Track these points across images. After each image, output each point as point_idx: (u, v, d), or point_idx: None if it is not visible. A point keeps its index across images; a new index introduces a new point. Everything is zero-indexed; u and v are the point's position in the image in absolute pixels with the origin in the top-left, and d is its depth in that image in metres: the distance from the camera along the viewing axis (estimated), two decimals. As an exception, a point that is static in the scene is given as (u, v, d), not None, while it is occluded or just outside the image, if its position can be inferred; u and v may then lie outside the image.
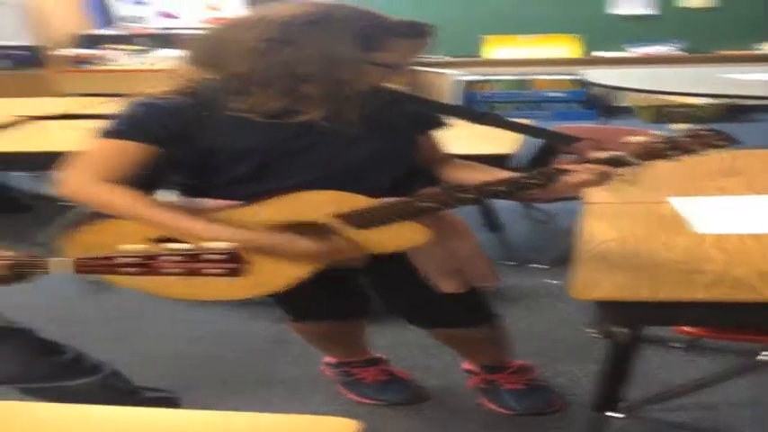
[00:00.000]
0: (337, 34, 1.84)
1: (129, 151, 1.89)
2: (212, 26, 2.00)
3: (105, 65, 5.84)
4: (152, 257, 1.51)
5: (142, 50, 5.98)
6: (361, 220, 1.94)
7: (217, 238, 1.67)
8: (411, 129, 2.09)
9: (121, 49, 5.95)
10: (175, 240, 1.60)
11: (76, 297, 3.09)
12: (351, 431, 1.29)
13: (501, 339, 2.48)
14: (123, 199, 1.87)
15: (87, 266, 1.54)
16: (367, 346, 2.66)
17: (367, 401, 2.68)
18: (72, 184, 1.88)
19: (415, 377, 2.75)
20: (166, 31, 6.10)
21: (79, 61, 5.82)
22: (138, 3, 6.19)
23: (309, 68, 1.83)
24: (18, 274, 1.56)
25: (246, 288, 1.95)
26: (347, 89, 1.88)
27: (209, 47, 1.94)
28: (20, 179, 4.83)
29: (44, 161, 3.39)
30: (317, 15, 1.85)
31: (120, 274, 1.52)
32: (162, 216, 1.87)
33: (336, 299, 2.35)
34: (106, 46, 5.97)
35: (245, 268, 1.51)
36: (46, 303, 3.19)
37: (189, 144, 1.91)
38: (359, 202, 1.93)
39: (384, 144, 2.00)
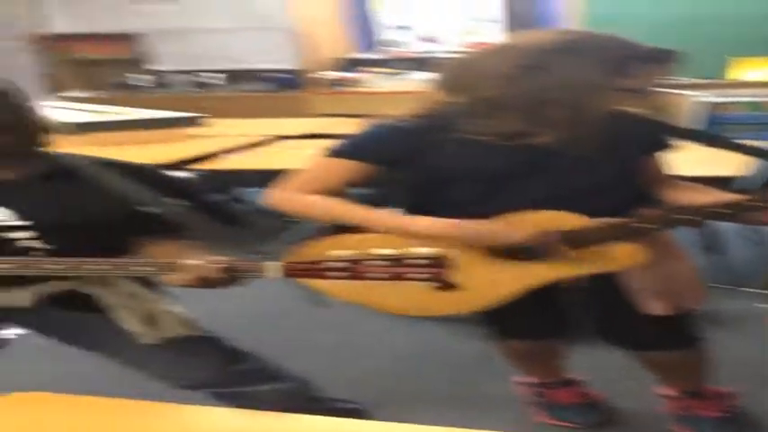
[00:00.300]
0: (589, 61, 1.90)
1: (345, 169, 2.03)
2: (466, 51, 2.09)
3: (361, 87, 6.11)
4: (357, 262, 1.62)
5: (398, 73, 6.20)
6: (579, 239, 1.98)
7: (432, 229, 1.95)
8: (638, 150, 2.13)
9: (378, 72, 6.20)
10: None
11: (294, 309, 3.18)
12: None
13: (703, 364, 2.41)
14: (324, 204, 2.02)
15: (296, 270, 1.68)
16: (565, 366, 2.66)
17: (558, 423, 2.67)
18: (277, 194, 2.07)
19: (611, 399, 2.72)
20: (424, 55, 6.29)
21: (337, 83, 6.13)
22: (402, 28, 6.45)
23: (557, 94, 1.90)
24: (231, 277, 1.75)
25: (457, 304, 2.04)
26: (589, 113, 1.93)
27: (459, 71, 2.03)
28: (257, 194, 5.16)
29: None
30: (572, 43, 1.92)
31: (327, 278, 1.65)
32: (369, 214, 2.02)
33: (542, 319, 2.38)
34: (364, 69, 6.26)
35: (448, 275, 1.60)
36: (267, 312, 3.49)
37: (417, 164, 2.02)
38: (578, 222, 1.98)
39: (611, 166, 2.04)
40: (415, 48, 6.43)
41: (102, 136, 4.46)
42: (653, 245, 2.00)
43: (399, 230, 1.99)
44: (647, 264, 2.01)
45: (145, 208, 1.98)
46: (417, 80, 6.00)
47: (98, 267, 1.81)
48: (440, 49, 6.30)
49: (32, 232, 1.91)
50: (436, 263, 1.61)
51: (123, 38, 6.64)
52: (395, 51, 6.45)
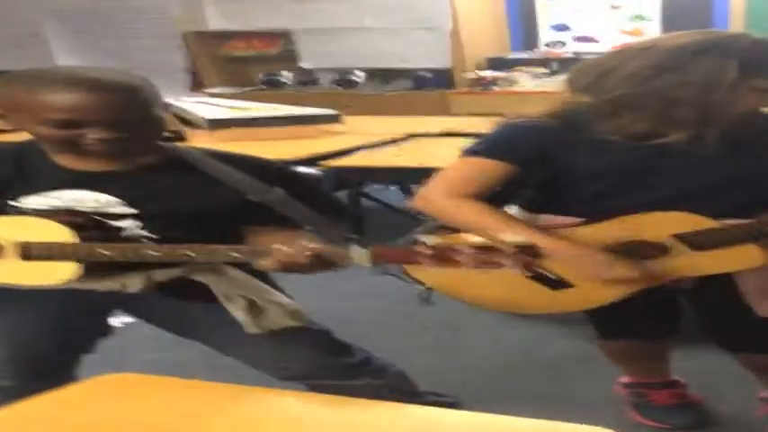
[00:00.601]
0: (723, 61, 1.96)
1: (487, 169, 2.12)
2: (599, 52, 2.24)
3: (508, 87, 6.05)
4: (446, 248, 1.71)
5: (548, 73, 6.13)
6: (701, 240, 2.06)
7: (555, 251, 2.03)
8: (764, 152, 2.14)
9: (528, 72, 6.13)
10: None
11: (404, 305, 3.23)
12: None
13: None
14: (471, 214, 2.09)
15: (385, 255, 1.82)
16: (668, 368, 2.70)
17: (653, 424, 2.69)
18: (426, 197, 2.16)
19: (708, 403, 2.77)
20: (579, 56, 6.16)
21: (485, 83, 6.08)
22: (561, 29, 6.39)
23: (688, 93, 1.97)
24: (320, 262, 1.86)
25: (564, 303, 2.20)
26: (720, 113, 2.00)
27: (592, 71, 2.11)
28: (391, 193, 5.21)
29: (413, 176, 3.66)
30: (708, 43, 1.99)
31: (414, 263, 1.76)
32: (505, 230, 2.03)
33: (650, 319, 2.42)
34: (516, 69, 6.19)
35: (537, 264, 1.72)
36: (379, 308, 3.66)
37: (548, 163, 2.11)
38: (701, 223, 2.05)
39: (739, 167, 2.08)
40: (572, 47, 6.38)
41: (233, 132, 4.55)
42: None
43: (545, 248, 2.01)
44: (762, 266, 2.06)
45: (253, 198, 2.03)
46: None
47: (189, 253, 1.92)
48: (596, 49, 6.18)
49: (138, 221, 1.99)
50: (525, 251, 1.68)
51: (272, 35, 6.78)
52: (550, 51, 6.39)
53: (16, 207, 1.97)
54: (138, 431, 1.48)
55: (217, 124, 4.57)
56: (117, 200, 1.99)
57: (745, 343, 2.36)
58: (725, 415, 2.73)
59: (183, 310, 2.13)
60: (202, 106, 5.06)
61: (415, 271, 2.25)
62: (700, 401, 2.75)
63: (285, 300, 2.15)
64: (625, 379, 2.74)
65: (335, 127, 4.68)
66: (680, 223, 2.05)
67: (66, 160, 1.99)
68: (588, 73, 2.12)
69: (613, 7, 6.23)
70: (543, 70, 6.13)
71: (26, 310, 2.11)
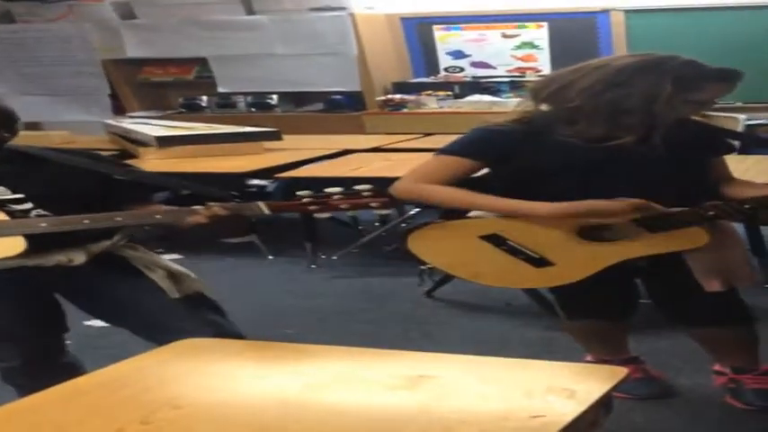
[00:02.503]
0: (663, 78, 2.44)
1: (457, 165, 2.56)
2: (560, 70, 2.64)
3: (418, 108, 6.76)
4: (321, 197, 2.28)
5: (451, 96, 6.88)
6: (656, 223, 2.48)
7: (535, 211, 2.47)
8: (705, 152, 2.65)
9: (434, 95, 6.86)
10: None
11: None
12: (620, 375, 1.64)
13: (754, 343, 2.83)
14: (444, 192, 2.54)
15: (278, 206, 2.36)
16: (627, 346, 3.05)
17: (619, 395, 2.91)
18: (403, 186, 2.60)
19: (668, 377, 3.12)
20: (477, 80, 6.98)
21: (395, 105, 6.79)
22: (458, 56, 7.14)
23: (633, 104, 2.43)
24: (235, 216, 2.33)
25: (548, 278, 2.64)
26: (660, 120, 2.46)
27: (552, 84, 2.56)
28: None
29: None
30: (648, 63, 2.48)
31: (304, 211, 2.32)
32: (484, 198, 2.52)
33: (611, 300, 2.81)
34: (422, 93, 6.90)
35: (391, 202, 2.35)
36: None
37: (513, 162, 2.53)
38: (655, 209, 2.46)
39: (680, 164, 2.53)
40: (470, 72, 7.12)
41: (182, 149, 5.06)
42: (713, 230, 2.51)
43: (510, 212, 2.52)
44: (708, 246, 2.50)
45: (121, 177, 2.53)
46: (470, 102, 6.69)
47: (118, 218, 2.37)
48: (493, 74, 7.02)
49: (31, 203, 2.42)
50: (379, 193, 2.29)
51: (187, 61, 7.34)
52: (450, 75, 7.12)
53: None
54: (218, 384, 1.67)
55: (165, 141, 5.05)
56: (2, 188, 2.42)
57: (696, 318, 2.72)
58: (685, 387, 3.04)
59: (110, 284, 2.49)
60: (145, 126, 5.49)
61: (419, 251, 2.68)
62: (660, 376, 3.05)
63: (186, 270, 2.54)
64: (589, 358, 3.01)
65: (276, 144, 5.25)
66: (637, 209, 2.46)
67: None
68: (549, 86, 2.56)
69: (505, 36, 7.00)
70: (447, 93, 6.88)
71: None
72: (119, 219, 2.37)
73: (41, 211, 2.40)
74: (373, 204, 2.30)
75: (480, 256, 2.62)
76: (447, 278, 3.90)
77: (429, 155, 4.25)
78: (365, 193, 2.27)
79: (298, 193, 2.33)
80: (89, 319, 2.83)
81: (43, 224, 2.34)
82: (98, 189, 2.48)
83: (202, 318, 2.44)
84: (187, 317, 2.42)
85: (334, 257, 4.79)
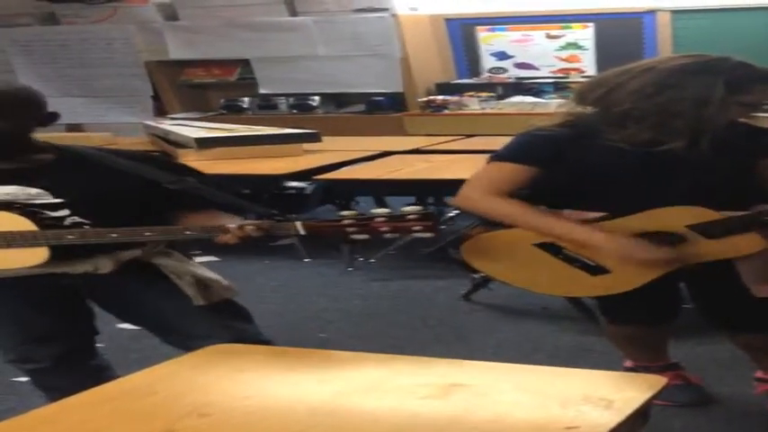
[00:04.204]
0: (715, 81, 2.39)
1: (513, 172, 2.52)
2: (606, 71, 2.59)
3: (459, 109, 6.74)
4: (362, 219, 2.20)
5: (494, 97, 6.86)
6: (713, 230, 2.44)
7: (589, 240, 2.45)
8: (755, 154, 2.56)
9: (476, 96, 6.84)
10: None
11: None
12: (658, 385, 1.65)
13: None
14: (510, 207, 2.50)
15: (315, 227, 2.29)
16: (668, 351, 3.02)
17: (657, 402, 2.98)
18: (467, 197, 2.57)
19: (708, 384, 3.08)
20: (521, 81, 6.95)
21: (437, 106, 6.77)
22: (501, 57, 7.11)
23: (683, 108, 2.38)
24: (267, 235, 2.30)
25: (602, 286, 2.60)
26: (710, 124, 2.40)
27: (599, 87, 2.51)
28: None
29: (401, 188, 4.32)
30: (699, 65, 2.43)
31: (344, 234, 2.24)
32: (542, 219, 2.49)
33: (655, 304, 2.75)
34: (466, 93, 6.88)
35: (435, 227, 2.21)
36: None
37: (563, 166, 2.49)
38: (709, 215, 2.44)
39: (730, 167, 2.47)
40: (513, 73, 7.07)
41: (221, 150, 5.05)
42: (765, 235, 2.46)
43: (568, 236, 2.50)
44: (760, 252, 2.46)
45: (170, 186, 2.43)
46: (512, 103, 6.67)
47: (155, 234, 2.36)
48: (536, 75, 6.99)
49: (69, 210, 2.37)
50: (425, 216, 2.21)
51: (230, 63, 7.38)
52: (493, 76, 7.09)
53: None
54: (246, 392, 1.67)
55: (204, 143, 5.06)
56: (43, 191, 2.35)
57: (743, 323, 2.67)
58: (724, 394, 2.99)
59: (136, 291, 2.48)
60: (185, 128, 5.51)
61: (472, 260, 2.68)
62: (700, 382, 3.00)
63: (218, 276, 2.52)
64: (628, 363, 2.97)
65: (315, 145, 5.24)
66: (692, 216, 2.43)
67: None
68: (596, 88, 2.51)
69: (549, 37, 6.96)
70: (490, 94, 6.85)
71: (17, 301, 2.45)
72: (147, 234, 2.36)
73: (77, 219, 2.38)
74: (416, 228, 2.22)
75: (536, 264, 2.60)
76: (484, 282, 3.88)
77: (470, 157, 4.40)
78: (411, 217, 2.21)
79: (341, 213, 2.29)
80: (121, 322, 2.81)
81: (70, 236, 2.33)
82: (149, 197, 2.44)
83: (223, 324, 2.43)
84: (208, 323, 2.42)
85: (372, 260, 4.76)
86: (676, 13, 6.51)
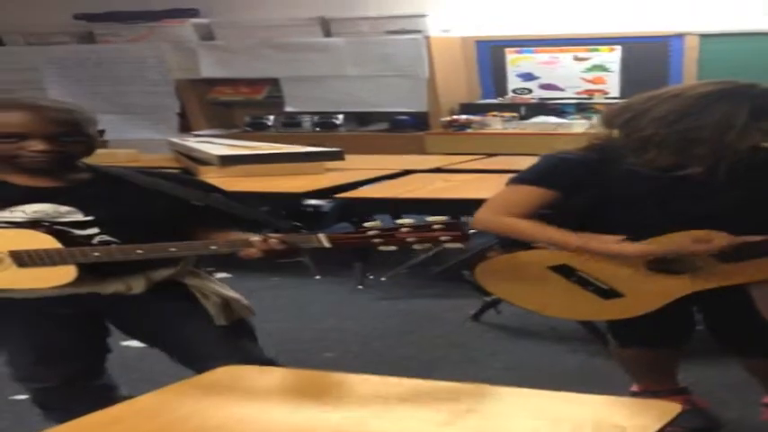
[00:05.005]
0: (740, 108, 2.35)
1: (534, 195, 2.49)
2: (634, 97, 2.53)
3: (481, 129, 6.71)
4: (388, 230, 2.14)
5: (516, 117, 6.82)
6: (728, 254, 2.40)
7: (606, 249, 2.42)
8: None
9: (499, 116, 6.79)
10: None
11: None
12: (672, 413, 1.57)
13: None
14: (526, 224, 2.47)
15: (340, 239, 2.22)
16: (676, 376, 2.96)
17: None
18: (485, 218, 2.53)
19: (714, 409, 3.00)
20: (544, 101, 6.91)
21: (459, 125, 6.75)
22: (527, 78, 7.08)
23: (705, 134, 2.34)
24: (292, 248, 2.26)
25: (614, 311, 2.58)
26: (731, 150, 2.37)
27: (626, 112, 2.48)
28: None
29: (418, 207, 4.24)
30: (726, 92, 2.39)
31: (371, 245, 2.16)
32: (558, 233, 2.45)
33: (667, 327, 2.71)
34: (490, 113, 6.84)
35: (464, 237, 2.12)
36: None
37: (585, 190, 2.46)
38: (724, 239, 2.39)
39: (750, 192, 2.44)
40: (537, 94, 7.04)
41: (243, 168, 5.03)
42: None
43: (586, 249, 2.46)
44: None
45: (197, 202, 2.41)
46: (534, 123, 6.64)
47: (180, 249, 2.30)
48: (560, 95, 6.94)
49: (99, 228, 2.33)
50: (454, 226, 2.12)
51: (259, 82, 7.39)
52: (517, 97, 7.06)
53: None
54: (255, 415, 1.67)
55: (228, 160, 5.05)
56: (74, 209, 2.31)
57: (755, 348, 2.63)
58: (731, 419, 2.95)
59: (160, 311, 2.44)
60: (209, 145, 5.52)
61: (484, 282, 2.68)
62: (707, 407, 2.95)
63: (238, 295, 2.48)
64: (635, 388, 2.93)
65: (337, 163, 5.20)
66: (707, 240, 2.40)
67: (16, 179, 2.32)
68: (623, 113, 2.48)
69: (577, 59, 6.94)
70: (513, 114, 6.82)
71: (38, 318, 2.39)
72: (173, 249, 2.30)
73: (106, 237, 2.33)
74: (444, 239, 2.13)
75: (549, 287, 2.57)
76: (494, 302, 3.83)
77: (489, 176, 4.37)
78: (436, 227, 2.13)
79: (365, 224, 2.20)
80: (127, 340, 2.79)
81: (96, 253, 2.28)
82: (177, 215, 2.41)
83: (235, 345, 2.41)
84: (223, 345, 2.39)
85: (383, 279, 4.73)
86: (705, 37, 6.45)
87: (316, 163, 5.20)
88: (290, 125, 7.27)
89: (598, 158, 2.47)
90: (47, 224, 2.28)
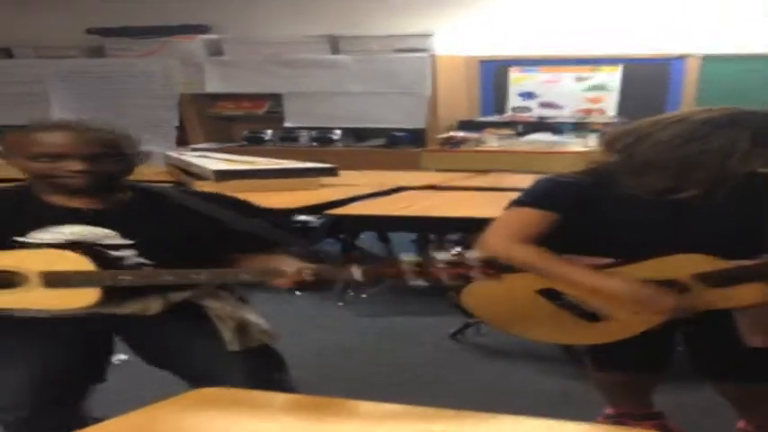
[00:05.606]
0: (742, 134, 2.32)
1: (535, 218, 2.46)
2: (639, 121, 2.50)
3: (477, 146, 6.69)
4: (423, 264, 2.07)
5: (513, 134, 6.82)
6: (716, 279, 2.37)
7: (605, 287, 2.37)
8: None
9: (496, 133, 6.79)
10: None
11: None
12: None
13: None
14: (531, 256, 2.42)
15: (374, 272, 2.15)
16: (652, 400, 2.92)
17: None
18: (490, 244, 2.44)
19: None
20: (542, 119, 6.90)
21: (456, 142, 6.73)
22: (527, 96, 7.10)
23: (709, 159, 2.31)
24: (322, 280, 2.18)
25: (598, 335, 2.52)
26: (731, 175, 2.34)
27: (629, 136, 2.45)
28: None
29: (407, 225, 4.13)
30: (728, 118, 2.36)
31: (401, 277, 2.09)
32: (560, 268, 2.42)
33: (647, 351, 2.67)
34: (487, 130, 6.85)
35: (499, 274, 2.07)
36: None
37: (583, 213, 2.43)
38: (716, 263, 2.37)
39: (745, 217, 2.41)
40: (536, 112, 7.04)
41: (238, 183, 4.93)
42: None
43: (594, 287, 2.41)
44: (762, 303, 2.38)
45: (236, 227, 2.37)
46: (531, 141, 6.62)
47: (209, 276, 2.26)
48: (559, 113, 6.94)
49: (134, 250, 2.30)
50: (489, 264, 2.07)
51: (260, 97, 7.41)
52: (515, 115, 7.05)
53: (24, 242, 2.26)
54: None
55: (223, 175, 5.00)
56: (112, 232, 2.29)
57: (733, 373, 2.59)
58: None
59: (174, 333, 2.39)
60: (205, 159, 5.47)
61: (469, 304, 2.63)
62: (682, 431, 2.93)
63: (261, 319, 2.45)
64: (610, 410, 2.91)
65: (332, 179, 5.16)
66: (698, 264, 2.37)
67: (58, 200, 2.31)
68: (625, 137, 2.46)
69: (579, 79, 6.95)
70: (510, 131, 6.81)
71: (37, 341, 2.32)
72: (200, 276, 2.25)
73: (141, 260, 2.31)
74: (477, 276, 2.08)
75: (534, 311, 2.53)
76: (476, 323, 3.80)
77: (481, 194, 4.30)
78: (472, 264, 2.07)
79: (402, 257, 2.12)
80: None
81: (123, 278, 2.24)
82: (215, 237, 2.38)
83: (248, 371, 2.33)
84: (231, 369, 2.32)
85: (364, 295, 4.67)
86: (705, 59, 6.46)
87: (310, 179, 5.17)
88: (287, 140, 7.28)
89: (594, 182, 2.45)
90: (83, 246, 2.26)
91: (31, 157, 2.26)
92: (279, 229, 2.44)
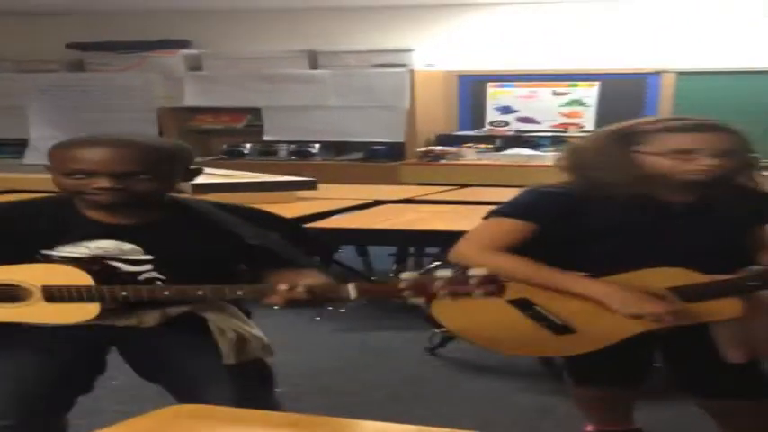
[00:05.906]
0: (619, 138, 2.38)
1: (513, 228, 2.43)
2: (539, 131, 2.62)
3: (456, 160, 6.69)
4: (420, 281, 1.99)
5: (491, 149, 6.84)
6: (692, 293, 2.34)
7: (588, 290, 2.34)
8: (751, 218, 2.50)
9: (474, 147, 6.80)
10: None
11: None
12: None
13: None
14: (506, 263, 2.36)
15: (369, 290, 2.09)
16: (632, 416, 2.89)
17: None
18: (463, 252, 2.43)
19: None
20: (520, 134, 6.93)
21: (434, 156, 6.72)
22: (505, 111, 7.11)
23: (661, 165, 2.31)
24: (315, 298, 2.10)
25: (569, 346, 2.47)
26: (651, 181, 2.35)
27: (574, 157, 2.47)
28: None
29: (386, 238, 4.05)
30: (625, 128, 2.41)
31: (396, 296, 2.02)
32: (544, 272, 2.39)
33: (626, 367, 2.64)
34: (466, 144, 6.84)
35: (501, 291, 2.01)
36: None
37: (564, 225, 2.42)
38: (693, 277, 2.35)
39: (725, 230, 2.42)
40: (514, 126, 7.07)
41: (216, 197, 4.84)
42: (745, 300, 2.36)
43: (569, 290, 2.38)
44: (740, 317, 2.35)
45: (252, 242, 2.27)
46: (508, 155, 6.66)
47: (199, 292, 2.19)
48: (536, 128, 6.98)
49: (153, 266, 2.27)
50: (489, 280, 1.99)
51: (240, 111, 7.39)
52: (493, 129, 7.07)
53: (48, 255, 2.24)
54: None
55: (201, 189, 4.94)
56: (137, 248, 2.26)
57: (713, 388, 2.54)
58: None
59: (163, 349, 2.33)
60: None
61: (440, 316, 2.55)
62: None
63: (260, 333, 2.37)
64: (589, 427, 2.90)
65: (310, 193, 5.09)
66: (674, 278, 2.35)
67: (95, 214, 2.27)
68: (570, 158, 2.48)
69: (556, 94, 6.98)
70: (488, 146, 6.83)
71: (31, 350, 2.28)
72: (200, 292, 2.20)
73: (155, 275, 2.27)
74: (477, 292, 2.00)
75: (502, 322, 2.47)
76: (453, 336, 3.69)
77: (460, 208, 4.27)
78: (473, 281, 2.00)
79: (401, 274, 2.06)
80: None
81: (123, 293, 2.20)
82: (239, 255, 2.32)
83: (240, 386, 2.27)
84: (223, 384, 2.26)
85: (342, 310, 4.61)
86: (681, 74, 6.55)
87: (288, 192, 5.10)
88: (266, 153, 7.25)
89: (578, 191, 2.43)
90: (98, 260, 2.23)
91: (65, 173, 2.20)
92: (293, 249, 2.32)
